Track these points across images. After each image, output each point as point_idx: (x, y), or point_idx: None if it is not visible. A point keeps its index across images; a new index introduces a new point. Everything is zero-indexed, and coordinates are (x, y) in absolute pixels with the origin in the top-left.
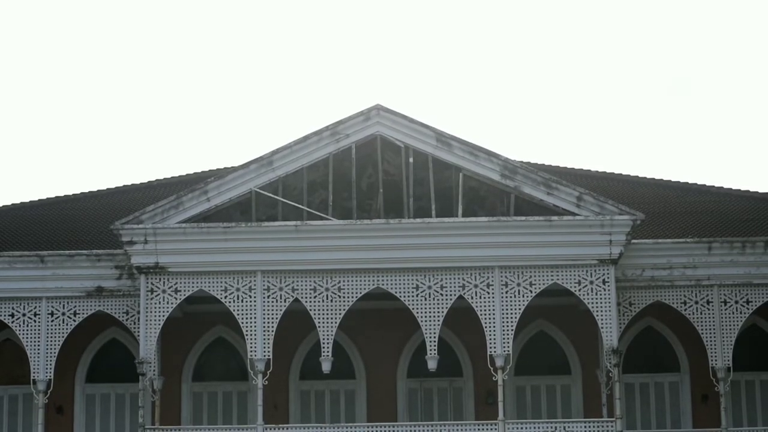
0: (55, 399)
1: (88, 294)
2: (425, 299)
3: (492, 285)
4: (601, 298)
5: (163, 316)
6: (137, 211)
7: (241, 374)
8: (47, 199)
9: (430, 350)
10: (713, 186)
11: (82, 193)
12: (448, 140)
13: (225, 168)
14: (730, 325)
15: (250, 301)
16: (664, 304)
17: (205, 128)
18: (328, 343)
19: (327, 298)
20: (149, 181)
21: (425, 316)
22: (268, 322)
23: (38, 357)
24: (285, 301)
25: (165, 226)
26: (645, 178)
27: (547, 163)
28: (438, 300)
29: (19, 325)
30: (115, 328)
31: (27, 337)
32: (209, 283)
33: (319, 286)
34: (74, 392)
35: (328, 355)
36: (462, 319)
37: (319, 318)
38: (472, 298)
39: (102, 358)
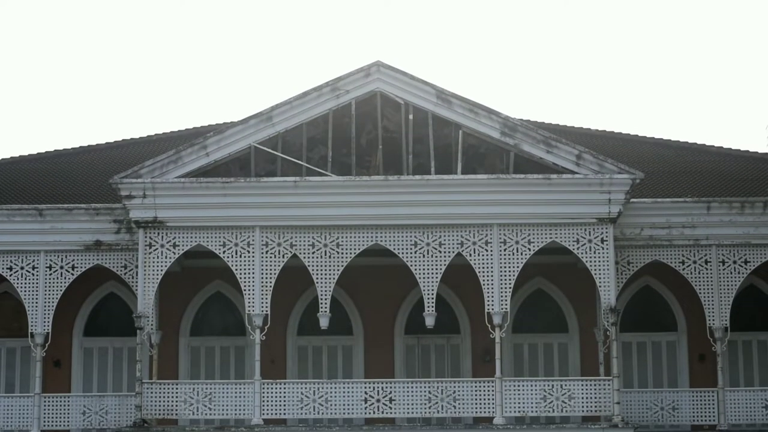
0: (53, 352)
1: (87, 248)
2: (423, 256)
3: (490, 242)
4: (599, 257)
5: (161, 270)
6: (136, 166)
7: (238, 329)
8: (46, 152)
9: (428, 307)
10: (713, 146)
11: (81, 146)
12: (448, 97)
13: (224, 123)
14: (727, 285)
15: (249, 257)
16: (662, 264)
17: (204, 83)
18: (326, 299)
19: (325, 254)
20: (148, 136)
21: (423, 273)
22: (266, 278)
23: (36, 310)
24: (283, 257)
25: (164, 180)
26: (644, 137)
27: (546, 122)
28: (436, 257)
29: (18, 279)
30: (113, 282)
31: (25, 291)
32: (207, 238)
33: (317, 242)
34: (72, 346)
35: (326, 311)
36: (460, 277)
37: (317, 274)
38: (470, 255)
39: (100, 312)
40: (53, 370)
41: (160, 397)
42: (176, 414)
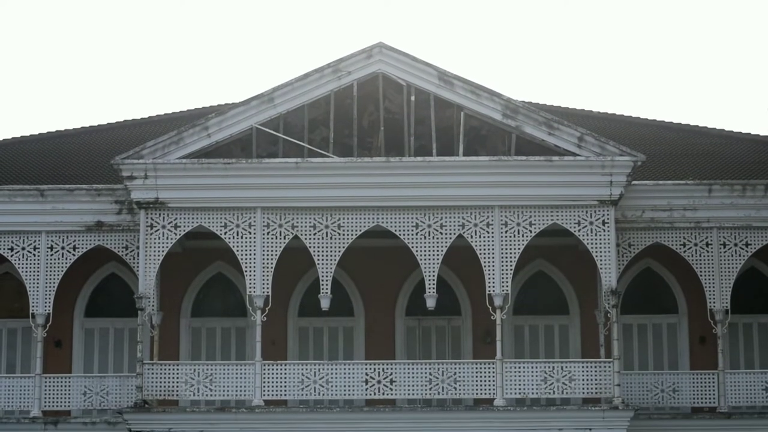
0: (54, 333)
1: (88, 228)
2: (425, 238)
3: (492, 224)
4: (600, 239)
5: (163, 251)
6: (137, 147)
7: (239, 310)
8: (48, 133)
9: (429, 289)
10: (714, 128)
11: (82, 127)
12: (450, 79)
13: (226, 104)
14: (728, 268)
15: (250, 238)
16: (663, 246)
17: (206, 65)
18: (327, 281)
19: (327, 236)
20: (150, 117)
21: (424, 255)
22: (268, 259)
23: (37, 291)
24: (284, 238)
25: (165, 161)
26: (646, 119)
27: (548, 104)
28: (437, 239)
29: (19, 259)
30: (114, 263)
31: (26, 271)
32: (209, 218)
33: (318, 224)
34: (73, 326)
35: (327, 293)
36: (461, 258)
37: (318, 255)
38: (471, 237)
39: (101, 292)
40: (54, 351)
41: (161, 377)
42: (177, 395)
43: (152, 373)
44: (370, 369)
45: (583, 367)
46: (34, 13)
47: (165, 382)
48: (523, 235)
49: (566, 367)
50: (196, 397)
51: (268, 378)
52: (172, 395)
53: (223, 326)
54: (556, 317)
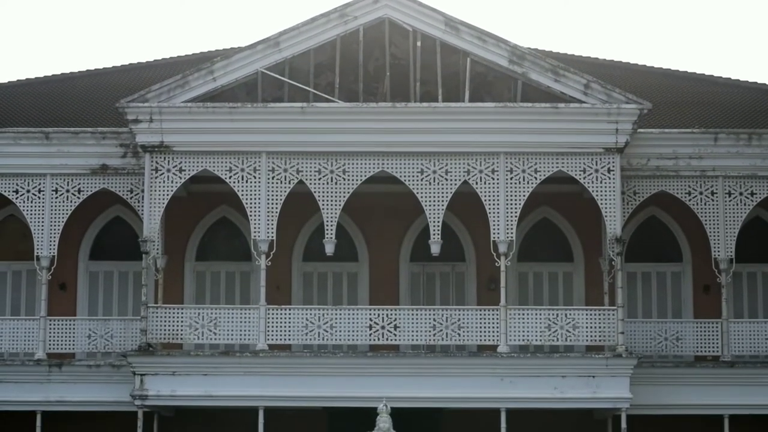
0: (59, 276)
1: (93, 171)
2: (430, 184)
3: (497, 171)
4: (605, 187)
5: (167, 195)
6: (143, 90)
7: (244, 255)
8: (53, 75)
9: (434, 235)
10: (721, 77)
11: (87, 70)
12: (456, 25)
13: (231, 48)
14: (733, 217)
15: (255, 182)
16: (668, 194)
17: (212, 8)
18: (331, 226)
19: (331, 181)
20: (155, 60)
21: (429, 201)
22: (272, 203)
23: (42, 233)
24: (289, 183)
25: (170, 105)
26: (652, 67)
27: (554, 51)
28: (442, 185)
29: (23, 202)
30: (119, 207)
31: (31, 214)
32: (214, 162)
33: (323, 168)
34: (77, 269)
35: (331, 237)
36: (466, 205)
37: (323, 200)
38: (476, 183)
39: (106, 235)
40: (59, 294)
41: (165, 321)
42: (181, 338)
43: (156, 317)
44: (374, 314)
45: (586, 314)
46: None
47: (169, 326)
48: (528, 182)
49: (570, 314)
50: (201, 341)
51: (272, 322)
52: (176, 339)
53: (227, 270)
54: (560, 264)
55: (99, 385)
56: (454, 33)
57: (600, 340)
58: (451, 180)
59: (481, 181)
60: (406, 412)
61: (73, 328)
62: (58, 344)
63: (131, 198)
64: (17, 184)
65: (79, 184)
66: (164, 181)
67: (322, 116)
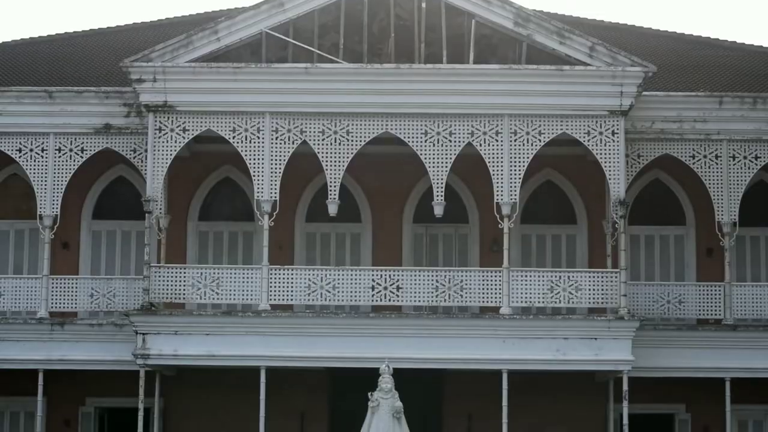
0: (61, 235)
1: (96, 131)
2: (433, 145)
3: (501, 133)
4: (609, 149)
5: (171, 154)
6: (147, 50)
7: (247, 215)
8: (56, 35)
9: (437, 196)
10: (726, 40)
11: (91, 30)
12: None
13: (236, 8)
14: (737, 180)
15: (258, 142)
16: (672, 157)
17: None
18: (335, 186)
19: (335, 141)
20: (159, 20)
21: (433, 162)
22: (276, 164)
23: (45, 192)
24: (293, 143)
25: (174, 64)
26: (657, 30)
27: (559, 13)
28: (446, 146)
29: (26, 161)
30: (122, 166)
31: (34, 173)
32: (217, 123)
33: (327, 129)
34: (80, 228)
35: (335, 198)
36: (470, 167)
37: (326, 161)
38: (480, 145)
39: (109, 195)
40: (61, 252)
41: (167, 281)
42: (184, 298)
43: (159, 276)
44: (377, 275)
45: (589, 276)
46: None
47: (172, 286)
48: (532, 144)
49: (573, 276)
50: (203, 301)
51: (275, 283)
52: (179, 298)
53: (230, 230)
54: (563, 227)
55: (101, 344)
56: None
57: (602, 303)
58: (454, 141)
59: (485, 142)
60: (408, 373)
61: (76, 287)
62: (60, 303)
63: (135, 158)
64: (20, 143)
65: (83, 143)
66: (167, 141)
67: (326, 77)
